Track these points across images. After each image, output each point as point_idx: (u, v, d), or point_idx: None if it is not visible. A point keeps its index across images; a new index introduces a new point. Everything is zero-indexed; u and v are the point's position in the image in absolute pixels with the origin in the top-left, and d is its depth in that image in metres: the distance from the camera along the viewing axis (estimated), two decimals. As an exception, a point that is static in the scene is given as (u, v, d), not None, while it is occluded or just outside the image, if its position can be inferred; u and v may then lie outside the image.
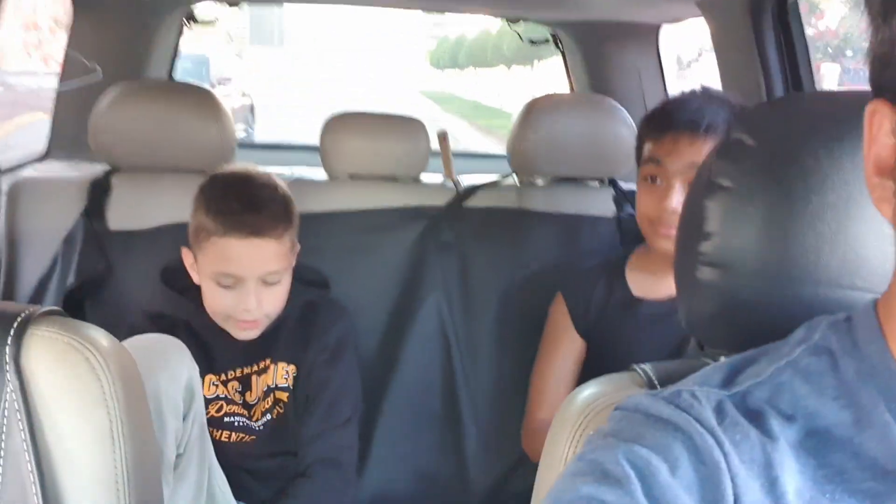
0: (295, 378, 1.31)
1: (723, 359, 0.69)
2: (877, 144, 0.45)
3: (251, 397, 1.30)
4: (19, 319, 0.67)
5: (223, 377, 1.29)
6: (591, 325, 1.39)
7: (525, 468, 1.41)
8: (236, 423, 1.29)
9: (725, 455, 0.47)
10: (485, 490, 1.54)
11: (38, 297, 1.50)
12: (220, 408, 1.29)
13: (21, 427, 0.65)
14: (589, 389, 0.71)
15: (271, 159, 2.18)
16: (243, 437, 1.29)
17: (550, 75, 12.63)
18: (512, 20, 2.19)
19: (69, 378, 0.67)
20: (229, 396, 1.29)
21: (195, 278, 1.27)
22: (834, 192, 0.59)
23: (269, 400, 1.30)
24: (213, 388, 1.28)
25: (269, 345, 1.31)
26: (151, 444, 0.74)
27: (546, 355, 1.44)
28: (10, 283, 1.52)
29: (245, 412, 1.30)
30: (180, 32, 2.12)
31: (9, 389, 0.65)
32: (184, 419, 1.10)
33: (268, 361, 1.31)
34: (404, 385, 1.56)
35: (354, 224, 1.58)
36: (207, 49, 10.53)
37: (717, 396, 0.51)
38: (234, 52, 17.17)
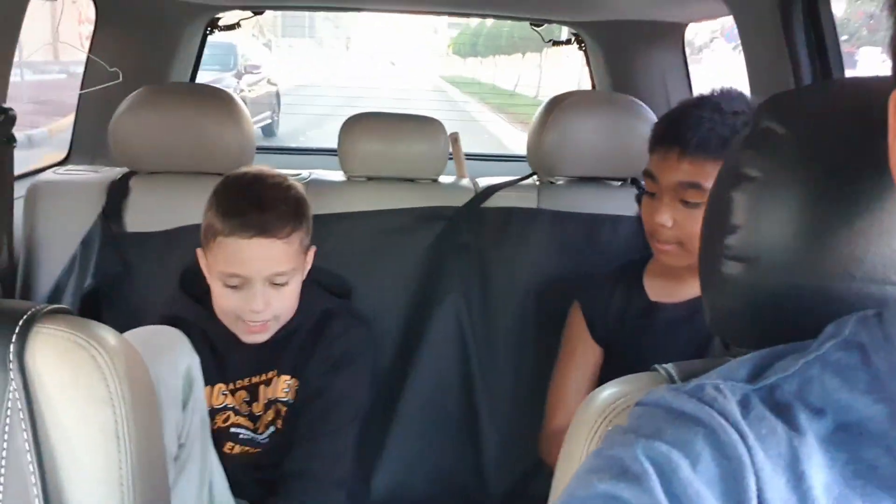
0: (296, 391, 1.28)
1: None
2: None
3: (257, 408, 1.28)
4: (25, 317, 0.66)
5: (232, 386, 1.28)
6: (609, 333, 1.37)
7: (543, 472, 1.39)
8: (241, 436, 1.28)
9: (750, 449, 0.45)
10: (502, 493, 1.52)
11: (55, 298, 1.51)
12: (227, 418, 1.27)
13: (24, 426, 0.64)
14: (609, 389, 0.69)
15: (292, 163, 2.18)
16: (248, 450, 1.28)
17: (559, 62, 13.91)
18: (536, 24, 2.17)
19: (74, 376, 0.66)
20: (237, 407, 1.28)
21: (208, 279, 1.26)
22: (868, 182, 0.56)
23: (272, 412, 1.28)
24: (222, 397, 1.27)
25: (279, 354, 1.29)
26: (158, 444, 0.72)
27: (564, 364, 1.42)
28: (29, 285, 1.53)
29: (251, 424, 1.29)
30: (204, 40, 2.13)
31: (12, 388, 0.64)
32: (183, 408, 1.09)
33: (274, 372, 1.28)
34: (422, 386, 1.54)
35: (372, 225, 1.57)
36: (236, 38, 10.28)
37: (743, 390, 0.50)
38: (263, 43, 17.79)
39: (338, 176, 1.67)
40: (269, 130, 10.31)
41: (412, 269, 1.57)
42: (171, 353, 1.09)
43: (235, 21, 2.12)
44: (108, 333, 0.70)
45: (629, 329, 1.34)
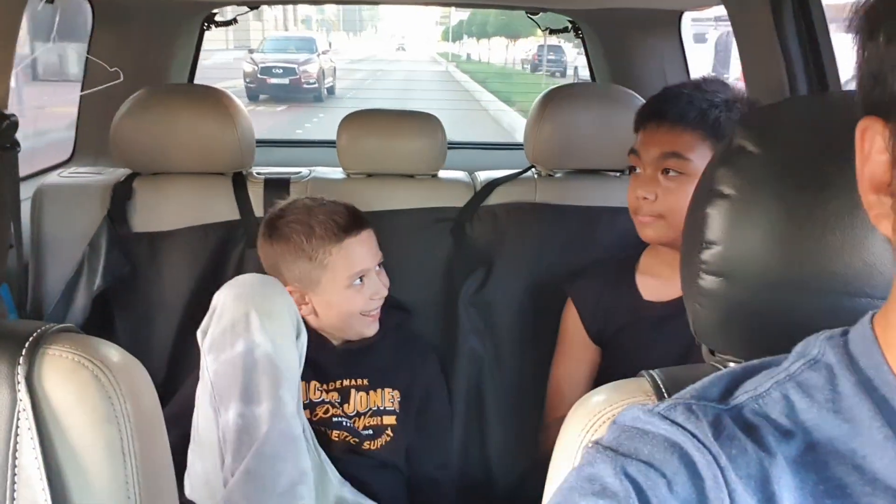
0: (400, 403, 1.40)
1: (731, 365, 0.69)
2: (870, 162, 0.44)
3: (349, 409, 1.36)
4: (32, 338, 0.69)
5: (325, 386, 1.36)
6: (602, 328, 1.39)
7: (547, 466, 1.40)
8: (344, 423, 1.35)
9: (722, 469, 0.46)
10: (507, 487, 1.54)
11: (66, 300, 1.53)
12: (328, 410, 1.35)
13: (33, 445, 0.66)
14: (596, 397, 0.70)
15: (292, 155, 2.19)
16: (348, 437, 1.34)
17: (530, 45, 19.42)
18: (532, 12, 2.17)
19: (80, 396, 0.68)
20: (334, 401, 1.36)
21: (312, 320, 1.36)
22: (839, 199, 0.57)
23: (377, 420, 1.37)
24: (318, 392, 1.36)
25: (361, 360, 1.39)
26: (164, 459, 0.75)
27: (561, 359, 1.44)
28: (39, 287, 1.56)
29: (348, 419, 1.36)
30: (201, 36, 2.13)
31: (21, 408, 0.66)
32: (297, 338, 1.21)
33: (366, 381, 1.39)
34: None
35: (376, 226, 1.58)
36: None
37: (715, 410, 0.50)
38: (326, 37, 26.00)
39: (338, 173, 1.69)
40: (331, 90, 16.83)
41: (416, 269, 1.59)
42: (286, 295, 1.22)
43: (232, 17, 2.12)
44: (113, 352, 0.73)
45: (621, 325, 1.36)
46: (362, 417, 1.36)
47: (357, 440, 1.34)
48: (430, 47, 38.72)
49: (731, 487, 0.46)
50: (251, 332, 1.12)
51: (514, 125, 10.97)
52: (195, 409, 1.17)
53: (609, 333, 1.38)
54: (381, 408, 1.37)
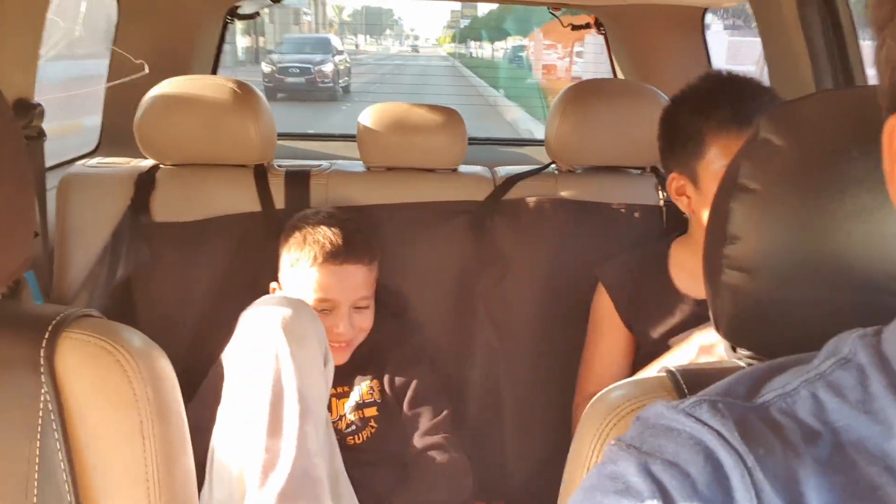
0: (380, 391, 1.38)
1: (753, 362, 0.68)
2: None
3: (332, 417, 1.36)
4: (54, 322, 0.70)
5: None
6: (636, 316, 1.37)
7: (562, 459, 1.40)
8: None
9: (749, 470, 0.45)
10: (523, 478, 1.54)
11: (89, 287, 1.55)
12: None
13: (55, 427, 0.67)
14: (616, 392, 0.70)
15: (312, 148, 2.20)
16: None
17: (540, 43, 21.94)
18: (554, 8, 2.16)
19: (100, 380, 0.69)
20: None
21: None
22: (869, 194, 0.56)
23: (358, 413, 1.37)
24: None
25: (349, 371, 1.38)
26: (183, 444, 0.76)
27: (593, 349, 1.43)
28: (63, 276, 1.58)
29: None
30: (224, 29, 2.15)
31: (43, 390, 0.67)
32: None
33: (346, 388, 1.38)
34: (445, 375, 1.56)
35: (395, 218, 1.58)
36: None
37: (741, 408, 0.49)
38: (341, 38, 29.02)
39: (358, 166, 1.69)
40: (346, 89, 17.67)
41: (435, 262, 1.59)
42: (315, 319, 1.20)
43: (255, 10, 2.14)
44: (133, 337, 0.73)
45: (656, 315, 1.34)
46: (341, 420, 1.37)
47: (339, 437, 1.33)
48: (439, 49, 46.29)
49: (758, 488, 0.45)
50: (279, 360, 1.10)
51: (487, 90, 19.39)
52: (214, 434, 1.16)
53: (644, 321, 1.36)
54: (361, 401, 1.37)
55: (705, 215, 1.24)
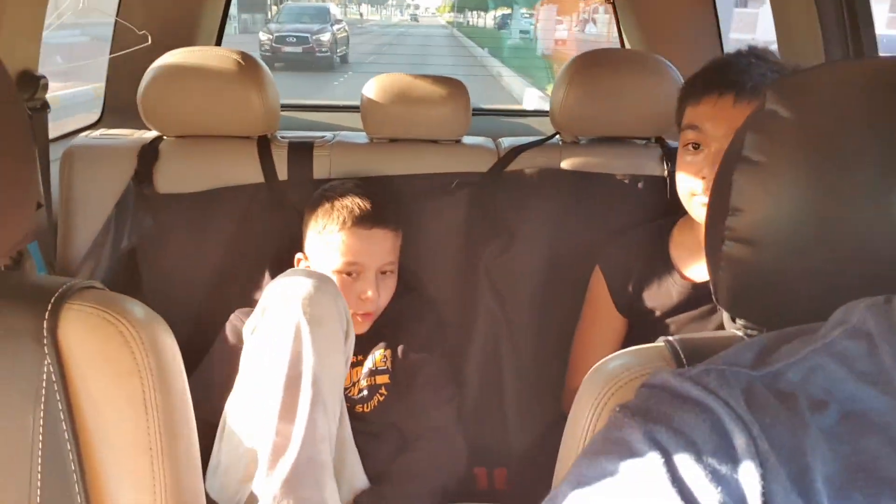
0: (392, 361, 1.40)
1: (753, 333, 0.67)
2: None
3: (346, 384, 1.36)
4: (57, 294, 0.70)
5: None
6: (631, 301, 1.37)
7: (563, 426, 1.41)
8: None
9: (755, 439, 0.45)
10: (522, 447, 1.55)
11: (93, 258, 1.55)
12: None
13: (59, 397, 0.68)
14: (616, 361, 0.70)
15: (317, 119, 2.19)
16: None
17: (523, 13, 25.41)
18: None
19: (103, 350, 0.70)
20: None
21: None
22: (876, 166, 0.56)
23: (370, 380, 1.38)
24: None
25: (367, 340, 1.40)
26: (186, 413, 0.76)
27: (586, 326, 1.43)
28: (66, 247, 1.58)
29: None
30: (228, 1, 2.13)
31: (46, 362, 0.68)
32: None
33: (362, 357, 1.40)
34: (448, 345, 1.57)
35: (398, 189, 1.57)
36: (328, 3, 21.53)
37: (747, 377, 0.49)
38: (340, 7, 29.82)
39: (361, 137, 1.68)
40: (344, 59, 17.30)
41: (438, 232, 1.58)
42: (338, 295, 1.19)
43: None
44: (135, 307, 0.74)
45: (652, 298, 1.34)
46: (354, 387, 1.38)
47: (350, 404, 1.34)
48: (438, 17, 47.73)
49: (763, 457, 0.45)
50: (299, 341, 1.11)
51: (471, 44, 22.36)
52: (229, 401, 1.18)
53: (639, 305, 1.36)
54: (374, 368, 1.39)
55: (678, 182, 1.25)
